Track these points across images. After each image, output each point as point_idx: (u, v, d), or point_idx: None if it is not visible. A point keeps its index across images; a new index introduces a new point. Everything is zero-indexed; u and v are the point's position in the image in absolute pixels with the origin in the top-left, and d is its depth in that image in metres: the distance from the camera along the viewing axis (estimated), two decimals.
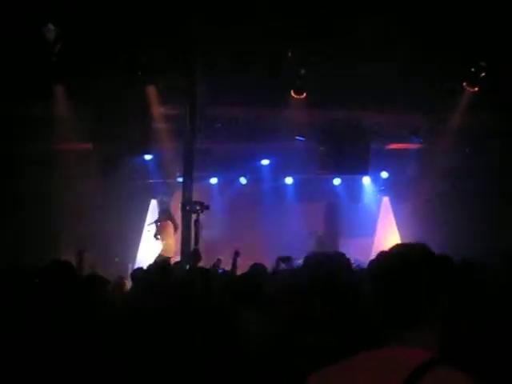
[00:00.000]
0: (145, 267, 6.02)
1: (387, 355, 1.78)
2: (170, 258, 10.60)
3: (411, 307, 1.81)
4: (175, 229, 10.94)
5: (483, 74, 9.95)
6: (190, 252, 7.82)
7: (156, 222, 11.27)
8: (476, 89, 10.30)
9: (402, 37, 9.18)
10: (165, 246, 11.03)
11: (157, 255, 10.94)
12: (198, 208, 7.27)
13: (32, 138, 10.63)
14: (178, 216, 10.19)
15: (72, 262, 9.65)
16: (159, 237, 11.10)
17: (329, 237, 13.36)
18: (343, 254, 3.49)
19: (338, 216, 13.93)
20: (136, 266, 11.22)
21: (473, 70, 10.01)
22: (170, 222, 11.11)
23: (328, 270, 3.10)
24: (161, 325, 3.12)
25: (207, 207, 7.88)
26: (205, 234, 13.48)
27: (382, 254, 1.95)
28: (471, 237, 10.85)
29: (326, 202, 14.04)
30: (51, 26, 8.70)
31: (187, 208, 7.92)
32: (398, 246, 1.99)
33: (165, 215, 11.28)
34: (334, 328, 2.87)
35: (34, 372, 2.88)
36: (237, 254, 8.16)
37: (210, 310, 3.32)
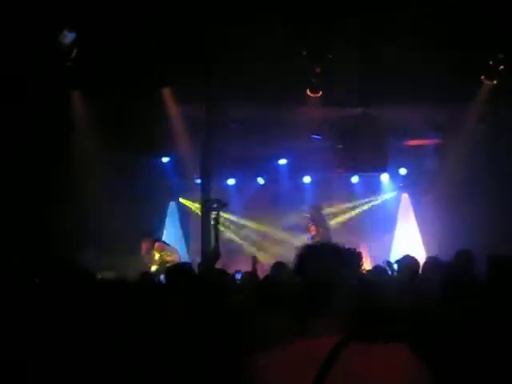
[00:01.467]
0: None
1: (305, 346, 1.92)
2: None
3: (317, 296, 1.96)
4: None
5: (502, 67, 9.83)
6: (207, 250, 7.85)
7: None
8: (495, 82, 10.17)
9: (419, 31, 9.10)
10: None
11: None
12: (216, 206, 7.30)
13: (50, 141, 10.73)
14: None
15: (90, 263, 9.81)
16: None
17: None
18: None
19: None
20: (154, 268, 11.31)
21: (491, 62, 9.88)
22: None
23: None
24: (177, 328, 3.13)
25: (225, 205, 7.91)
26: (224, 234, 13.57)
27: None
28: (492, 233, 10.71)
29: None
30: (67, 32, 8.76)
31: (206, 206, 7.95)
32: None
33: None
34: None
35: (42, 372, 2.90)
36: (254, 259, 8.18)
37: (228, 313, 3.32)
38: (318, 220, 12.07)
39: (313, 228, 11.94)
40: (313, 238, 11.83)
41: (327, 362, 1.82)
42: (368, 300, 2.14)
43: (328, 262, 2.00)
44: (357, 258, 2.06)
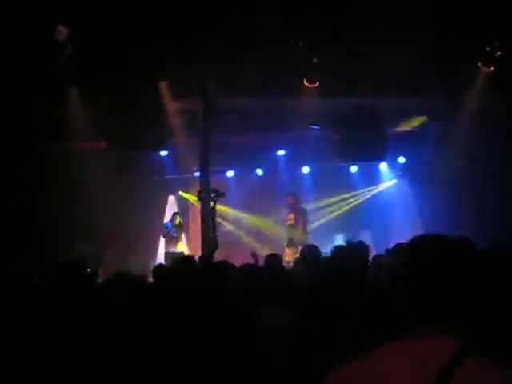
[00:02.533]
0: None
1: (417, 345, 1.71)
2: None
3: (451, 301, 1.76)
4: None
5: (498, 53, 9.79)
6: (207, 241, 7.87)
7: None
8: (492, 68, 10.14)
9: (416, 19, 9.06)
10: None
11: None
12: (213, 195, 7.30)
13: (48, 137, 10.72)
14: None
15: (90, 259, 9.82)
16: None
17: None
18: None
19: None
20: (157, 263, 11.35)
21: (487, 49, 9.85)
22: None
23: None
24: (178, 321, 3.14)
25: (223, 194, 7.91)
26: (224, 226, 13.61)
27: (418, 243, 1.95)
28: (492, 221, 10.73)
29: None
30: (62, 27, 8.72)
31: (203, 196, 7.95)
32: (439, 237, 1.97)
33: None
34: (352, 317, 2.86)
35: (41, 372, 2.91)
36: (253, 255, 8.16)
37: (224, 305, 3.32)
38: (297, 209, 12.01)
39: (291, 217, 11.89)
40: (291, 226, 11.80)
41: (447, 370, 1.60)
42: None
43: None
44: None
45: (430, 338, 1.71)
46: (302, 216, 11.85)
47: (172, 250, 11.72)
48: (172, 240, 11.90)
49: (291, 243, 11.46)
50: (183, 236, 12.46)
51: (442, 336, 1.71)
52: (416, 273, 1.82)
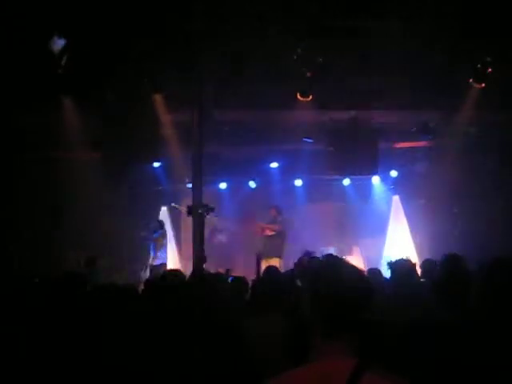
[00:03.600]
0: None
1: (319, 367, 1.85)
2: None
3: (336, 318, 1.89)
4: None
5: (489, 70, 9.90)
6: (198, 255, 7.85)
7: None
8: (483, 85, 10.24)
9: (408, 34, 9.15)
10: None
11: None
12: (201, 210, 7.30)
13: (42, 147, 10.73)
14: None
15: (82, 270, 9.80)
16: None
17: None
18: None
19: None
20: (148, 273, 11.34)
21: (479, 66, 9.96)
22: None
23: None
24: (166, 332, 3.15)
25: (212, 209, 7.91)
26: (217, 238, 13.62)
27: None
28: (483, 235, 10.79)
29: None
30: (57, 38, 8.75)
31: (193, 210, 7.95)
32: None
33: None
34: None
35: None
36: (258, 256, 8.15)
37: (216, 317, 3.33)
38: (281, 221, 12.00)
39: (271, 227, 11.84)
40: (269, 237, 11.77)
41: None
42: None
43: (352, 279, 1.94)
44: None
45: (329, 360, 1.85)
46: (282, 229, 11.83)
47: (155, 262, 11.62)
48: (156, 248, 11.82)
49: (269, 255, 11.37)
50: (173, 246, 12.44)
51: (340, 356, 1.85)
52: (315, 291, 1.94)
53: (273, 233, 11.77)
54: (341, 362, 1.83)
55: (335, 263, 2.00)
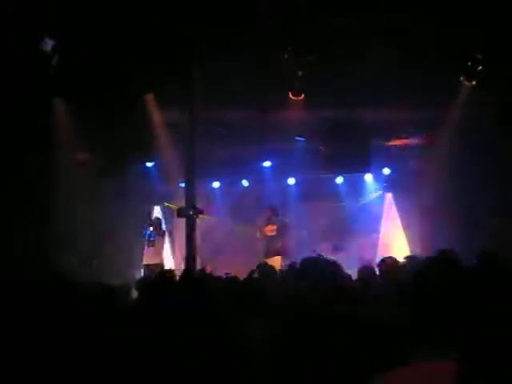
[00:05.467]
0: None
1: (419, 370, 1.78)
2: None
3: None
4: None
5: (480, 68, 9.94)
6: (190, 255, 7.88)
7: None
8: (474, 82, 10.29)
9: (399, 33, 9.18)
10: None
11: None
12: (191, 213, 7.31)
13: (33, 148, 10.69)
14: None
15: (76, 270, 9.78)
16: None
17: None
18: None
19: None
20: (142, 272, 11.35)
21: (469, 63, 10.00)
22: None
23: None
24: (156, 333, 3.16)
25: (201, 211, 7.93)
26: (212, 238, 13.63)
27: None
28: (477, 232, 10.82)
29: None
30: (48, 39, 8.74)
31: (183, 213, 7.97)
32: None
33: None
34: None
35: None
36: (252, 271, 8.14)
37: (208, 319, 3.34)
38: (279, 220, 12.05)
39: (272, 228, 11.88)
40: (271, 237, 11.82)
41: None
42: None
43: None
44: None
45: (429, 362, 1.77)
46: (282, 228, 11.89)
47: (150, 261, 11.61)
48: (150, 249, 11.78)
49: (271, 254, 11.45)
50: (166, 245, 12.42)
51: (442, 359, 1.75)
52: (417, 295, 1.88)
53: (273, 233, 11.84)
54: (444, 364, 1.74)
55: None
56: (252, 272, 6.71)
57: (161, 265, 11.42)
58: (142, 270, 11.55)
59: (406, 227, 13.30)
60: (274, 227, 11.83)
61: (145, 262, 11.63)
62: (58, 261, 10.52)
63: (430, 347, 1.81)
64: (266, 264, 6.53)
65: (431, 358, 1.79)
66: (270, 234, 11.86)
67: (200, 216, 8.34)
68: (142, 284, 5.11)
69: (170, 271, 4.94)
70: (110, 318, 4.25)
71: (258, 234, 12.01)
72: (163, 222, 12.91)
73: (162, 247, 11.97)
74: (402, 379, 1.77)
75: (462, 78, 10.32)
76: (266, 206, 12.30)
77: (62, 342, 3.19)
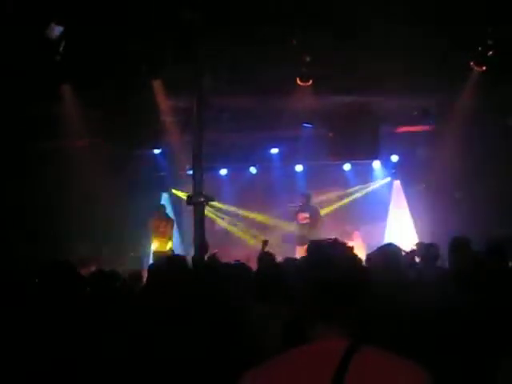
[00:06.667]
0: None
1: (312, 348, 1.88)
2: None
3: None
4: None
5: (491, 53, 9.83)
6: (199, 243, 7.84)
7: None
8: (484, 68, 10.18)
9: (409, 18, 9.08)
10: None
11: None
12: (202, 200, 7.27)
13: (42, 135, 10.71)
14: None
15: (86, 257, 9.82)
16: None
17: None
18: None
19: None
20: (151, 260, 11.37)
21: (480, 48, 9.89)
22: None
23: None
24: (170, 322, 3.15)
25: (212, 199, 7.90)
26: (217, 225, 13.65)
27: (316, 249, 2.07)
28: (484, 219, 10.77)
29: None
30: (54, 25, 8.69)
31: (193, 200, 7.92)
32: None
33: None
34: None
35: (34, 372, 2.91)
36: (265, 242, 8.13)
37: (220, 305, 3.34)
38: (310, 208, 12.15)
39: (305, 215, 11.98)
40: (304, 225, 11.91)
41: (342, 366, 1.78)
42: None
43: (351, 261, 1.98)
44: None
45: (324, 340, 1.88)
46: (315, 215, 12.00)
47: (159, 248, 11.64)
48: (159, 236, 11.80)
49: (304, 242, 11.48)
50: (174, 233, 12.44)
51: (334, 337, 1.87)
52: (315, 274, 1.95)
53: (306, 221, 11.92)
54: (334, 343, 1.86)
55: (329, 249, 2.01)
56: (261, 259, 6.72)
57: (169, 252, 11.44)
58: (151, 257, 11.59)
59: (414, 214, 13.26)
60: (307, 215, 11.93)
61: (154, 249, 11.67)
62: (69, 249, 10.57)
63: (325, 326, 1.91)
64: (266, 253, 6.51)
65: (324, 336, 1.90)
66: (302, 221, 11.96)
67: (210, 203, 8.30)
68: (153, 270, 5.09)
69: (181, 256, 4.92)
70: (119, 303, 4.26)
71: (300, 221, 12.11)
72: (171, 209, 12.95)
73: (171, 234, 11.99)
74: (287, 359, 1.88)
75: (472, 64, 10.21)
76: (300, 194, 12.40)
77: (71, 327, 3.19)
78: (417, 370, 1.81)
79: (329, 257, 1.97)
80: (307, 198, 12.25)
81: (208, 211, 11.22)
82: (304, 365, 1.84)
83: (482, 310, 3.28)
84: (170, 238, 11.92)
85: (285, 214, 13.21)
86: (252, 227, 13.69)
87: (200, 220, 7.13)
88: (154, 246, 11.74)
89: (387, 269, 3.78)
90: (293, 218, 12.38)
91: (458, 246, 5.50)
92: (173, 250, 11.63)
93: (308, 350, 1.89)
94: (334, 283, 1.90)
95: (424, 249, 6.13)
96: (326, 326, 1.90)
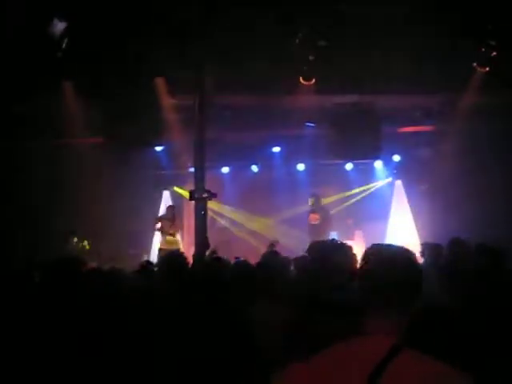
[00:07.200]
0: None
1: (353, 347, 1.87)
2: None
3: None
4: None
5: (494, 54, 9.81)
6: (200, 240, 7.84)
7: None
8: (487, 69, 10.16)
9: (412, 19, 9.07)
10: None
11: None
12: (205, 196, 7.27)
13: (44, 133, 10.71)
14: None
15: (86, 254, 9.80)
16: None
17: None
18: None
19: None
20: (151, 258, 11.36)
21: (483, 50, 9.87)
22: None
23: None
24: (170, 322, 3.15)
25: (214, 195, 7.90)
26: (219, 223, 13.66)
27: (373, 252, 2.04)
28: (485, 220, 10.76)
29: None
30: (57, 22, 8.68)
31: (195, 196, 7.92)
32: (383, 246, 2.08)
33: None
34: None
35: (35, 370, 2.91)
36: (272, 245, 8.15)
37: (221, 302, 3.33)
38: (321, 208, 12.20)
39: (316, 217, 12.03)
40: (315, 226, 11.95)
41: (381, 366, 1.77)
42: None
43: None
44: None
45: (366, 338, 1.88)
46: (325, 216, 12.01)
47: (164, 246, 11.61)
48: (167, 236, 11.78)
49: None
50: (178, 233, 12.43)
51: (378, 335, 1.86)
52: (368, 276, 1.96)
53: (317, 222, 11.94)
54: (378, 341, 1.85)
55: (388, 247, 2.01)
56: (264, 257, 6.70)
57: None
58: (157, 255, 11.58)
59: (416, 214, 13.25)
60: (317, 216, 11.95)
61: (160, 247, 11.64)
62: (66, 245, 10.58)
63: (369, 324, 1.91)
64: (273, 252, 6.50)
65: (367, 334, 1.90)
66: (313, 222, 11.98)
67: (212, 200, 8.30)
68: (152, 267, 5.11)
69: (181, 254, 4.92)
70: (117, 301, 4.25)
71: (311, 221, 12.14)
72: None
73: (178, 234, 11.97)
74: (327, 356, 1.87)
75: (474, 65, 10.19)
76: (310, 194, 12.42)
77: (73, 325, 3.20)
78: (461, 381, 1.76)
79: (391, 257, 1.96)
80: (317, 198, 12.27)
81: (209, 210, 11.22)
82: (344, 360, 1.83)
83: (475, 311, 3.29)
84: (178, 239, 11.87)
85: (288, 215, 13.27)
86: (253, 226, 13.72)
87: (202, 216, 7.13)
88: (161, 244, 11.68)
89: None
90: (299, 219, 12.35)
91: (457, 246, 5.50)
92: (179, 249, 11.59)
93: (351, 346, 1.88)
94: (392, 283, 1.90)
95: (429, 249, 6.13)
96: (374, 324, 1.90)
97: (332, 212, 13.06)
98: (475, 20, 8.96)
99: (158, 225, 11.49)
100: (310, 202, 12.25)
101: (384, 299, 1.90)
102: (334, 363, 1.83)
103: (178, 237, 11.87)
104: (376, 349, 1.82)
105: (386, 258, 1.97)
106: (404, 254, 1.99)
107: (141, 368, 2.91)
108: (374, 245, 2.07)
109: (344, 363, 1.82)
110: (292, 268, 5.69)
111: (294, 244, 11.35)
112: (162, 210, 13.22)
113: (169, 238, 11.51)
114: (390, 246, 2.06)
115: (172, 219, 11.56)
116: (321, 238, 11.43)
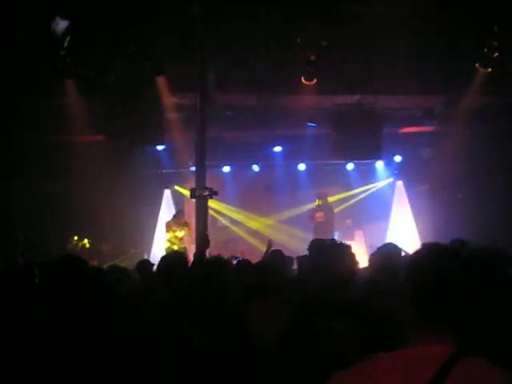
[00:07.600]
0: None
1: (412, 352, 1.74)
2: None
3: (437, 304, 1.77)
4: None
5: (496, 55, 9.80)
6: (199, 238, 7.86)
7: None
8: (489, 70, 10.15)
9: (414, 19, 9.06)
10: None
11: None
12: (206, 194, 7.29)
13: (45, 130, 10.71)
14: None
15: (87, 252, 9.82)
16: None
17: None
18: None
19: None
20: (151, 256, 11.36)
21: (485, 50, 9.86)
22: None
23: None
24: (164, 316, 3.15)
25: (216, 193, 7.92)
26: (219, 222, 13.67)
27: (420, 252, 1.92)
28: (486, 221, 10.76)
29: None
30: (60, 20, 8.68)
31: (196, 194, 7.93)
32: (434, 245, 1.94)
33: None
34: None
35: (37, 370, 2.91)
36: (270, 242, 8.19)
37: (223, 303, 3.33)
38: (325, 208, 12.31)
39: (320, 214, 12.15)
40: (320, 224, 12.05)
41: (440, 375, 1.62)
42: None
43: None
44: None
45: (425, 345, 1.73)
46: (329, 214, 12.11)
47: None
48: (174, 239, 11.75)
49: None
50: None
51: (437, 342, 1.72)
52: (418, 280, 1.82)
53: (321, 219, 12.05)
54: (435, 348, 1.71)
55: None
56: (264, 257, 6.72)
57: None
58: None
59: (417, 215, 13.26)
60: (322, 213, 12.06)
61: (166, 247, 11.62)
62: (68, 243, 10.59)
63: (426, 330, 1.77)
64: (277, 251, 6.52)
65: (425, 341, 1.75)
66: (318, 220, 12.06)
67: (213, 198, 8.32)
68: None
69: (181, 253, 4.92)
70: (115, 298, 4.24)
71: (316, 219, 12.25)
72: (170, 206, 12.94)
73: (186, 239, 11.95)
74: (386, 361, 1.74)
75: (477, 65, 10.18)
76: (317, 193, 12.54)
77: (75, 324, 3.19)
78: None
79: (458, 255, 1.86)
80: (324, 197, 12.43)
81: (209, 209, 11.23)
82: (399, 370, 1.69)
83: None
84: (185, 245, 11.83)
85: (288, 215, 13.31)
86: (254, 225, 13.74)
87: (203, 214, 7.14)
88: (167, 244, 11.62)
89: (383, 268, 3.76)
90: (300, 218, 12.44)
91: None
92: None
93: (406, 354, 1.75)
94: (455, 281, 1.78)
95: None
96: (428, 330, 1.76)
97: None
98: (478, 20, 8.93)
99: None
100: (318, 202, 12.35)
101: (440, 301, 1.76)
102: (385, 373, 1.69)
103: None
104: (434, 357, 1.67)
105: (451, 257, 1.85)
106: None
107: (141, 368, 2.90)
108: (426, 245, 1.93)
109: (397, 373, 1.68)
110: (294, 267, 5.70)
111: (295, 244, 11.38)
112: (163, 210, 13.26)
113: (176, 242, 11.50)
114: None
115: (181, 224, 11.63)
116: (326, 237, 11.55)
